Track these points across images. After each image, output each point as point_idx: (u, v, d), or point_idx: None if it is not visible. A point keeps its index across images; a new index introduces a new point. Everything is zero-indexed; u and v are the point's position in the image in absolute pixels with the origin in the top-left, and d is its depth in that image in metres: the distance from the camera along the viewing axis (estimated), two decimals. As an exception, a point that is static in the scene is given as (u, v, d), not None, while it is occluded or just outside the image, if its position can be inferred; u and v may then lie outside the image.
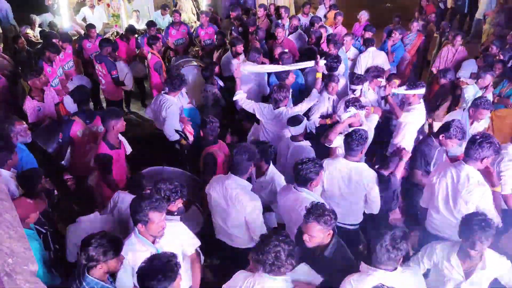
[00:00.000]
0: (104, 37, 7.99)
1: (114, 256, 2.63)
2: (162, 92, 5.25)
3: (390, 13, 10.47)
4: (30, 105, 5.12)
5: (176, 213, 3.13)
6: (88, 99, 5.09)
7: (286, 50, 6.49)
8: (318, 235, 2.74)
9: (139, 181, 3.83)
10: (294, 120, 4.22)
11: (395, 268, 2.57)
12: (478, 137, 3.37)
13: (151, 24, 8.15)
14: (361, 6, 9.85)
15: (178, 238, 3.07)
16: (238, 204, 3.34)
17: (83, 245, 2.61)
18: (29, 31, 8.52)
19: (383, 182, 3.80)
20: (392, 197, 4.00)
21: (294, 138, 4.30)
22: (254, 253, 2.49)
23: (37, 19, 9.07)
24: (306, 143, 4.29)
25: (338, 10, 8.75)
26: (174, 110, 5.04)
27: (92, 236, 2.65)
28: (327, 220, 2.72)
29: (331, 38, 6.62)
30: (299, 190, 3.31)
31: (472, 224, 2.79)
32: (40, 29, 8.77)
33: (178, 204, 3.14)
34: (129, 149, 4.64)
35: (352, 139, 3.66)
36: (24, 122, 4.32)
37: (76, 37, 8.39)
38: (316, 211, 2.74)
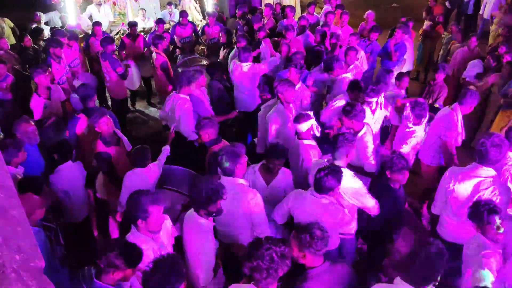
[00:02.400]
0: (108, 35, 8.00)
1: (133, 267, 2.58)
2: (174, 92, 5.19)
3: (397, 13, 10.43)
4: (36, 102, 5.14)
5: (214, 214, 3.04)
6: (93, 96, 5.07)
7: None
8: (296, 254, 2.69)
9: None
10: (300, 118, 4.17)
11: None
12: (496, 140, 3.35)
13: (160, 21, 8.20)
14: (367, 6, 9.83)
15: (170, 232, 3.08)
16: (239, 202, 3.28)
17: (105, 249, 2.55)
18: (35, 28, 8.55)
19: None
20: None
21: (300, 136, 4.24)
22: (248, 261, 2.41)
23: (43, 16, 9.12)
24: (313, 142, 4.24)
25: (344, 10, 8.72)
26: (188, 109, 4.99)
27: (116, 243, 2.62)
28: (304, 241, 2.64)
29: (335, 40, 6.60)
30: (318, 196, 3.26)
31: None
32: (47, 27, 8.80)
33: (217, 205, 3.01)
34: (129, 146, 4.64)
35: (334, 142, 3.64)
36: (32, 123, 4.32)
37: (82, 35, 8.42)
38: (296, 231, 2.72)
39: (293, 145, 4.29)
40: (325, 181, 3.16)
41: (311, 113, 4.21)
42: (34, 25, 8.59)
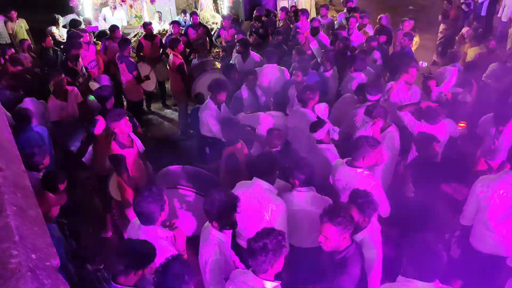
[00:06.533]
0: (125, 37, 8.09)
1: (148, 265, 2.59)
2: None
3: (413, 15, 10.29)
4: (53, 104, 5.24)
5: (229, 227, 3.08)
6: (110, 97, 5.13)
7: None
8: (333, 237, 2.71)
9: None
10: (315, 125, 4.18)
11: (433, 280, 2.42)
12: None
13: (175, 22, 8.36)
14: (383, 8, 9.74)
15: None
16: (265, 207, 3.29)
17: (119, 253, 2.57)
18: (54, 30, 8.71)
19: None
20: None
21: (319, 141, 4.23)
22: (248, 252, 2.49)
23: (61, 19, 9.26)
24: (331, 146, 4.23)
25: (358, 12, 8.64)
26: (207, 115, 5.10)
27: (128, 244, 2.65)
28: (342, 222, 2.67)
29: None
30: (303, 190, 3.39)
31: None
32: (65, 29, 8.95)
33: (231, 218, 3.05)
34: (142, 148, 4.67)
35: (352, 145, 3.65)
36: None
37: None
38: (332, 212, 2.70)
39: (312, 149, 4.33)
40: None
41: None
42: (50, 27, 8.76)
